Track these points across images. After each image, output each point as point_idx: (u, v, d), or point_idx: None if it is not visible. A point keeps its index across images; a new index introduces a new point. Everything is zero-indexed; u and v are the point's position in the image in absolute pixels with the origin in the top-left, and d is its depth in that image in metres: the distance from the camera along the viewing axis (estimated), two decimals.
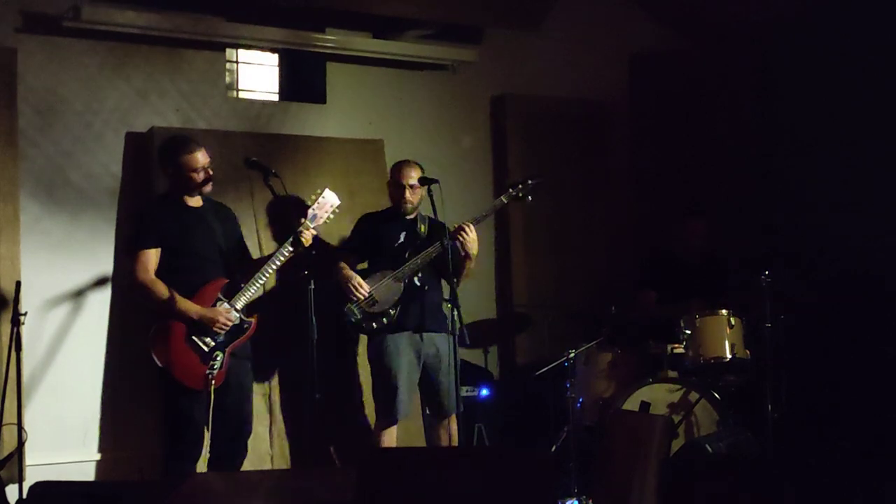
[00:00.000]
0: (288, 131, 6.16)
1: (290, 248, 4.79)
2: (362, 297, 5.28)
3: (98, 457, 5.62)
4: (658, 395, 5.45)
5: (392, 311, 5.30)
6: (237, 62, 6.29)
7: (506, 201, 5.39)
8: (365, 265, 5.53)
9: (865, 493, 4.64)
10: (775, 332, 5.48)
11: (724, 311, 5.63)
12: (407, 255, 5.34)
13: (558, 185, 6.76)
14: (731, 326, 5.58)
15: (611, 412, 5.47)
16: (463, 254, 5.29)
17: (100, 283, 5.64)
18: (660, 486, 4.70)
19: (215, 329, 4.63)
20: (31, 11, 5.53)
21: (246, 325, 4.75)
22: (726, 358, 5.56)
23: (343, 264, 5.39)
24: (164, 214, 4.76)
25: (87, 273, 5.62)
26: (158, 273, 4.74)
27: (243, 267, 4.92)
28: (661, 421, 5.03)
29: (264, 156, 4.93)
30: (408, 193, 5.38)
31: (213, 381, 4.56)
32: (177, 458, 4.68)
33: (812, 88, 6.68)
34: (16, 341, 4.96)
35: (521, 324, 6.62)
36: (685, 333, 5.63)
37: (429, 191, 5.18)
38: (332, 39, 6.23)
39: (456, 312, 4.89)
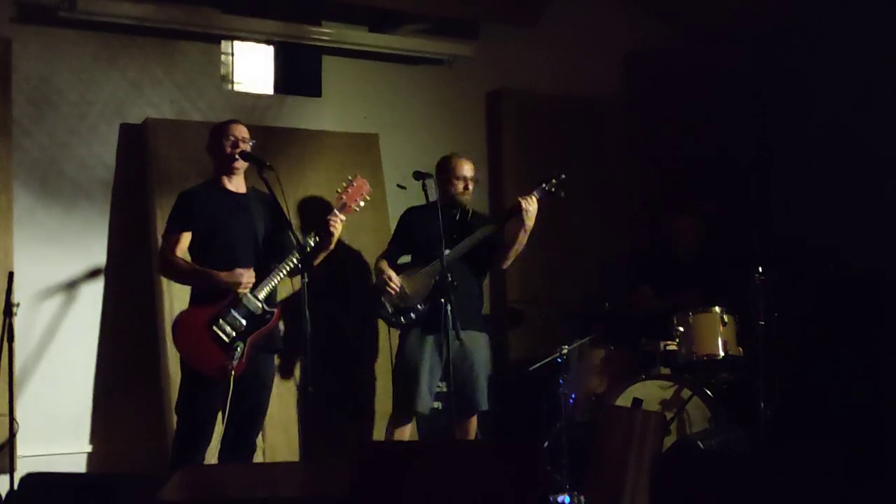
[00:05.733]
0: (283, 124, 6.15)
1: (317, 239, 4.74)
2: (393, 293, 5.29)
3: (90, 448, 5.62)
4: (651, 392, 5.46)
5: (420, 307, 5.28)
6: (232, 54, 6.28)
7: (537, 195, 5.33)
8: (408, 258, 5.54)
9: (857, 492, 4.65)
10: (768, 329, 5.50)
11: (717, 309, 5.64)
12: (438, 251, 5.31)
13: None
14: (724, 324, 5.60)
15: (603, 408, 5.47)
16: (516, 231, 5.30)
17: (93, 274, 5.64)
18: (652, 483, 4.71)
19: (240, 291, 4.57)
20: (25, 1, 5.52)
21: (268, 316, 4.68)
22: (719, 355, 5.58)
23: (383, 259, 5.44)
24: (199, 199, 4.73)
25: (80, 264, 5.62)
26: (195, 257, 4.70)
27: (280, 257, 4.82)
28: (653, 418, 5.04)
29: (259, 148, 4.92)
30: (470, 186, 5.41)
31: (234, 372, 4.53)
32: (187, 447, 4.65)
33: (807, 88, 6.69)
34: (8, 332, 4.96)
35: (514, 319, 6.63)
36: (678, 330, 5.64)
37: (423, 186, 5.17)
38: (327, 32, 6.23)
39: (449, 307, 4.89)
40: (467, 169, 5.45)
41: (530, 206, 5.24)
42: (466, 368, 5.27)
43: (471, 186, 5.46)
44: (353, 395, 5.94)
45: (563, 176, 5.38)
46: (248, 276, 4.60)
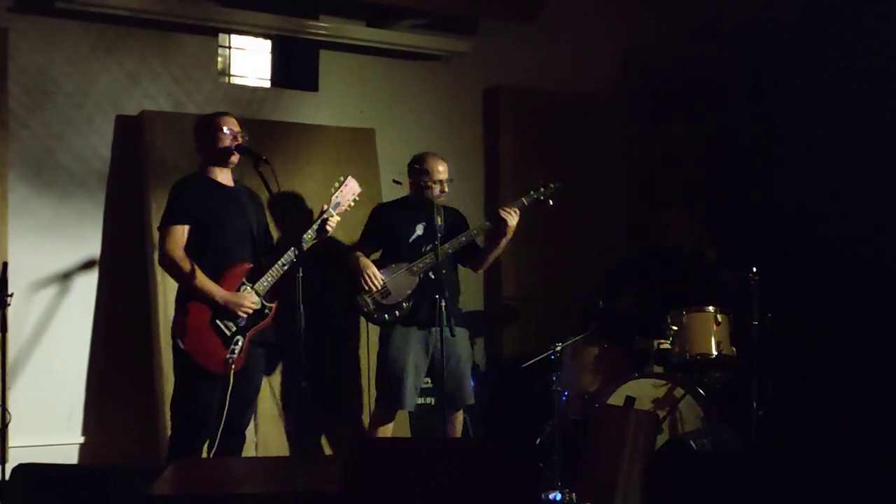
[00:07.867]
0: (279, 118, 6.14)
1: (314, 236, 4.76)
2: (376, 289, 5.24)
3: (82, 440, 5.61)
4: (643, 391, 5.46)
5: (405, 304, 5.24)
6: (229, 47, 6.27)
7: (526, 203, 5.33)
8: (378, 255, 5.48)
9: (849, 491, 4.66)
10: (762, 329, 5.51)
11: (710, 308, 5.66)
12: (424, 249, 5.27)
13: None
14: (718, 323, 5.61)
15: (596, 406, 5.48)
16: (497, 240, 5.31)
17: (87, 265, 5.62)
18: (644, 481, 4.71)
19: (239, 313, 4.61)
20: None
21: (266, 311, 4.69)
22: (712, 355, 5.60)
23: (359, 253, 5.36)
24: (195, 191, 4.72)
25: (74, 256, 5.60)
26: (189, 251, 4.66)
27: (269, 252, 4.85)
28: (646, 416, 5.04)
29: (255, 142, 4.90)
30: (447, 188, 5.32)
31: (234, 366, 4.55)
32: (186, 441, 4.64)
33: (807, 85, 6.70)
34: (1, 322, 4.95)
35: (508, 316, 6.63)
36: (672, 329, 5.65)
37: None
38: (325, 27, 6.22)
39: (444, 303, 4.90)
40: (443, 171, 5.35)
41: (512, 219, 5.23)
42: (453, 364, 5.27)
43: (447, 189, 5.36)
44: (346, 390, 5.93)
45: (556, 185, 5.37)
46: (249, 302, 4.62)
